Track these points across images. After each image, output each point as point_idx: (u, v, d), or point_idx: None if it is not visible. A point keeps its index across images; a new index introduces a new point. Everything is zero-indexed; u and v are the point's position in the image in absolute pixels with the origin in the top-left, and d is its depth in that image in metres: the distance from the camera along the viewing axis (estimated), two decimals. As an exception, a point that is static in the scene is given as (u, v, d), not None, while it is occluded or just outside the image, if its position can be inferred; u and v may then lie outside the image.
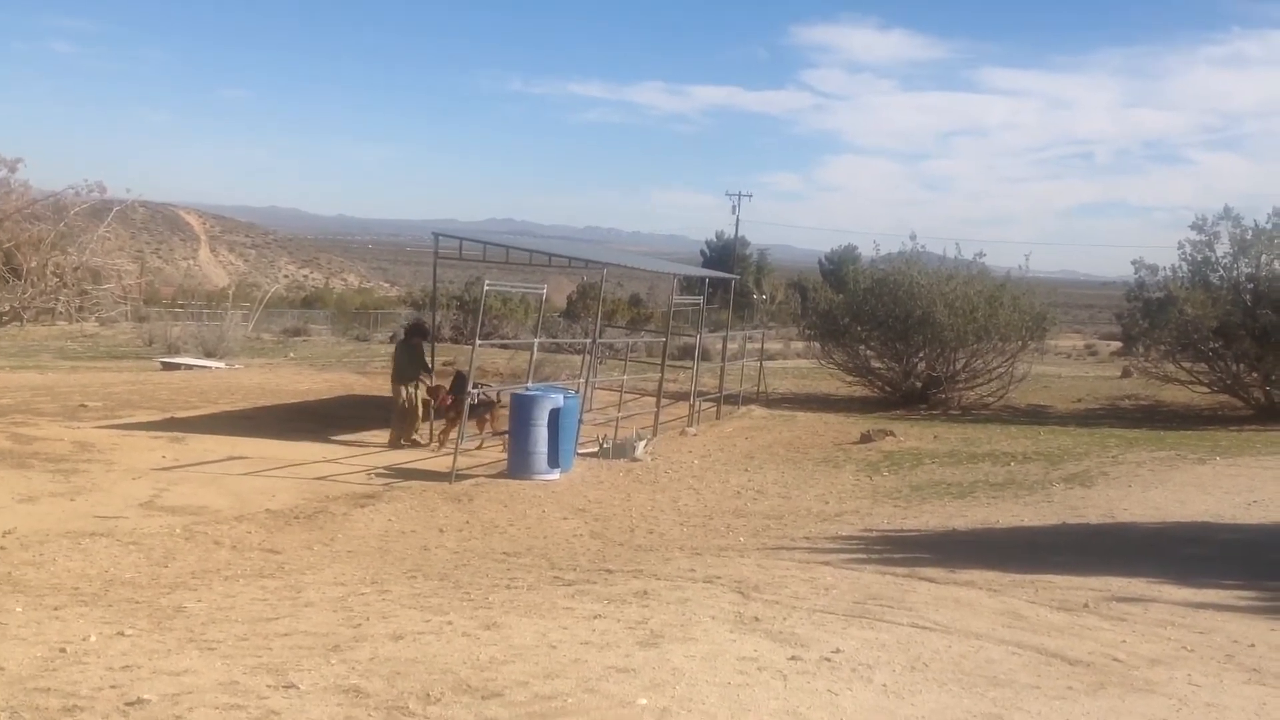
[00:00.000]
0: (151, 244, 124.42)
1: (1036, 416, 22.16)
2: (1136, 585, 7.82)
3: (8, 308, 16.25)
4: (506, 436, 14.57)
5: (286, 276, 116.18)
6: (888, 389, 24.73)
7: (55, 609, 6.78)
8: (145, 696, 4.67)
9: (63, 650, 5.55)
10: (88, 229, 17.08)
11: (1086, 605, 7.13)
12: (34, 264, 15.94)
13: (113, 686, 4.86)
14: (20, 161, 16.06)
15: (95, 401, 18.15)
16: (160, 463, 13.41)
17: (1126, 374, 28.89)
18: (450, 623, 6.18)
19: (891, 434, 17.81)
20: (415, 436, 16.32)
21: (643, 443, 15.90)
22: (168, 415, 17.20)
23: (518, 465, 13.75)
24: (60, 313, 17.06)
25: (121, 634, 5.96)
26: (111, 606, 6.91)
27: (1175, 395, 24.05)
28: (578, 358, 24.27)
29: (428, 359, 16.70)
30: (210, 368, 26.36)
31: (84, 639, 5.81)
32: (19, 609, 6.75)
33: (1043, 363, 29.76)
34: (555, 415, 13.69)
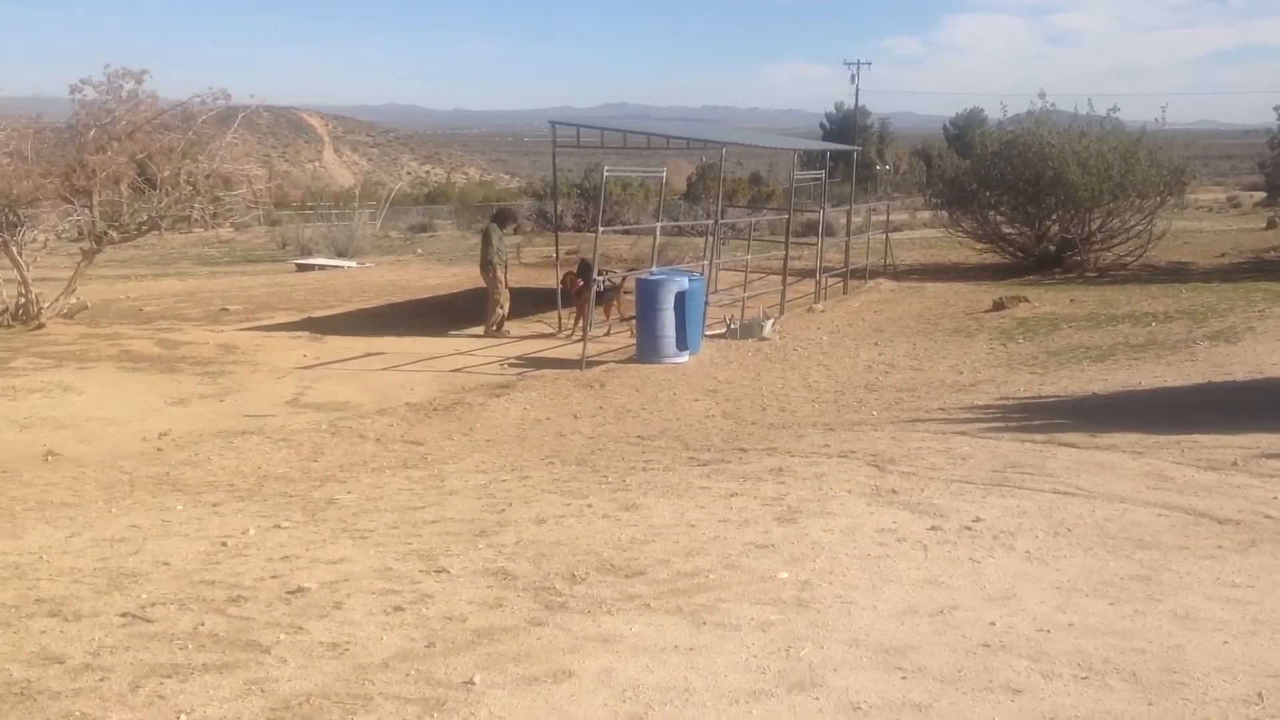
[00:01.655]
0: (278, 148, 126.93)
1: (1177, 274, 21.44)
2: (1288, 443, 7.59)
3: (145, 217, 16.70)
4: (634, 321, 14.64)
5: (409, 173, 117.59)
6: (1019, 254, 24.13)
7: (214, 505, 7.09)
8: (305, 585, 4.87)
9: (224, 544, 5.81)
10: (215, 136, 17.37)
11: (1235, 463, 6.95)
12: (167, 173, 16.29)
13: (274, 577, 5.08)
14: (146, 73, 16.34)
15: (236, 305, 18.71)
16: (301, 361, 13.79)
17: (1272, 225, 27.74)
18: (590, 505, 6.30)
19: (1025, 300, 17.44)
20: (502, 327, 16.25)
21: (770, 321, 15.83)
22: (305, 315, 17.66)
23: (646, 349, 13.82)
24: (196, 220, 17.46)
25: (278, 526, 6.21)
26: (267, 501, 7.19)
27: (1326, 246, 23.06)
28: (700, 240, 24.16)
29: (552, 248, 16.71)
30: (342, 267, 26.94)
31: (243, 532, 6.07)
32: (180, 507, 7.07)
33: (1183, 218, 28.70)
34: (681, 298, 13.68)
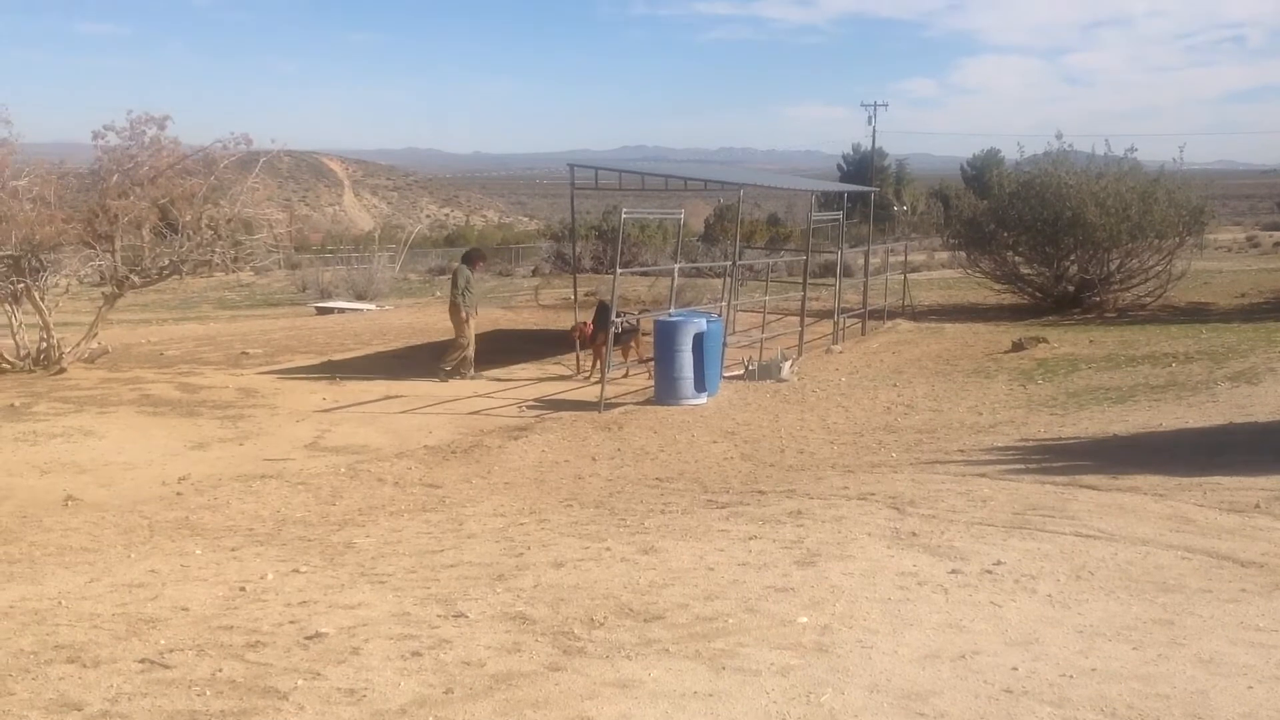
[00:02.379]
0: (299, 192, 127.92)
1: (1197, 315, 21.36)
2: (1312, 485, 7.53)
3: (167, 262, 16.81)
4: (652, 363, 14.66)
5: (428, 216, 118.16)
6: (1038, 295, 24.08)
7: (232, 550, 7.09)
8: (323, 630, 4.86)
9: (242, 589, 5.81)
10: (237, 180, 17.52)
11: (1258, 506, 6.89)
12: (189, 218, 16.43)
13: (292, 622, 5.07)
14: (168, 118, 16.51)
15: (256, 348, 18.79)
16: (321, 405, 13.84)
17: (1292, 265, 27.59)
18: (609, 549, 6.29)
19: (1044, 341, 17.39)
20: (466, 369, 15.94)
21: (788, 363, 15.82)
22: (325, 358, 17.72)
23: (665, 391, 13.82)
24: (216, 264, 17.55)
25: (297, 571, 6.21)
26: (285, 545, 7.19)
27: (1347, 285, 22.94)
28: (718, 281, 24.18)
29: (570, 290, 16.62)
30: (362, 310, 27.06)
31: (261, 577, 6.07)
32: (199, 551, 7.08)
33: (1202, 258, 28.56)
34: (699, 340, 13.69)
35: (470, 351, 16.07)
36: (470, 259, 17.17)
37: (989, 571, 5.48)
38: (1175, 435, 10.21)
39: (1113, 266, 23.40)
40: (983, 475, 8.39)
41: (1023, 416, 12.08)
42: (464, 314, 15.95)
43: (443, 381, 15.51)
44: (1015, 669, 4.20)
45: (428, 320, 23.37)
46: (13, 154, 15.88)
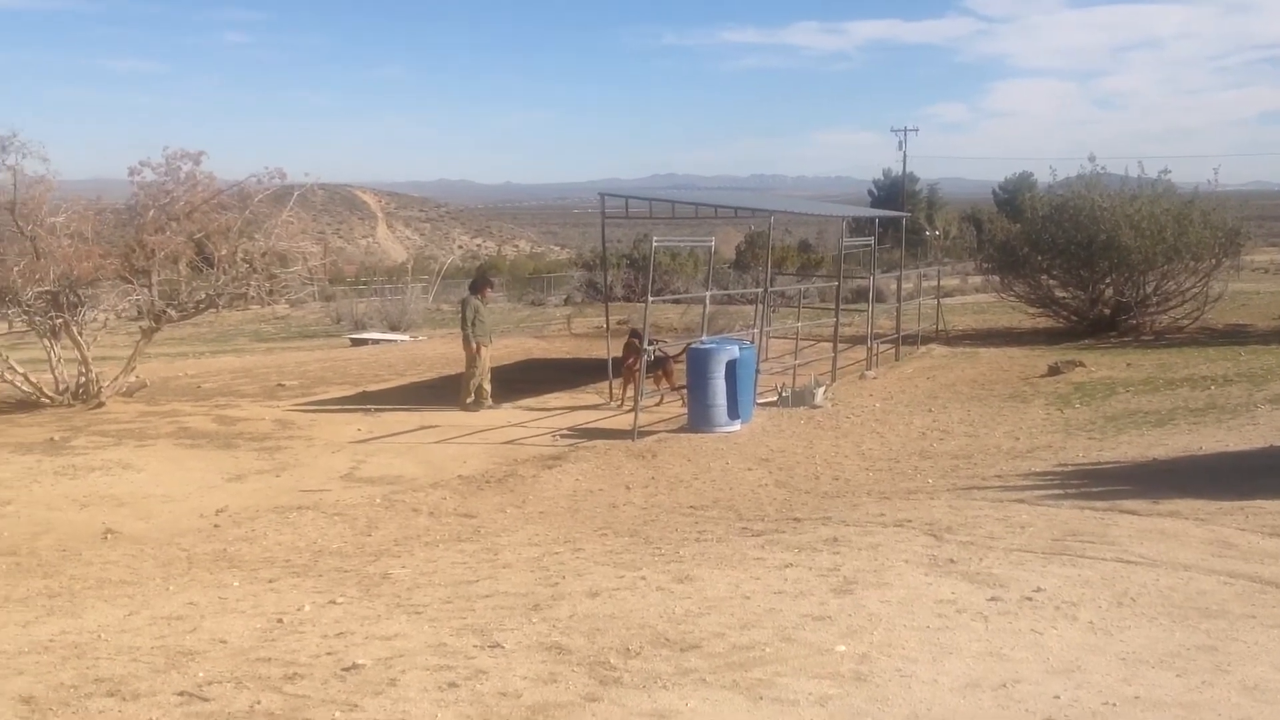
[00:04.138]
0: (332, 224, 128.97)
1: (1236, 337, 21.17)
2: (1356, 507, 7.42)
3: (203, 295, 16.96)
4: (684, 391, 14.64)
5: (460, 247, 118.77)
6: (1073, 318, 23.94)
7: (270, 581, 7.11)
8: (360, 661, 4.86)
9: (280, 621, 5.82)
10: (271, 214, 17.68)
11: (1302, 530, 6.79)
12: (224, 252, 16.58)
13: (329, 653, 5.07)
14: (203, 154, 16.71)
15: (291, 380, 18.90)
16: (356, 435, 13.89)
17: (1332, 285, 27.32)
18: (644, 578, 6.26)
19: (1081, 364, 17.26)
20: (481, 400, 15.74)
21: (822, 389, 15.77)
22: (360, 389, 17.81)
23: (698, 419, 13.79)
24: (252, 297, 17.70)
25: (333, 602, 6.21)
26: (322, 576, 7.21)
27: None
28: (750, 308, 24.18)
29: (602, 318, 16.49)
30: (396, 341, 27.21)
31: (298, 609, 6.08)
32: (236, 583, 7.11)
33: (1239, 280, 28.43)
34: (732, 367, 13.68)
35: (486, 383, 15.88)
36: (477, 287, 16.86)
37: (1029, 598, 5.42)
38: (1216, 459, 10.10)
39: (1149, 289, 23.26)
40: (1021, 501, 8.32)
41: (1060, 441, 11.98)
42: (474, 345, 15.70)
43: (473, 411, 15.53)
44: (1057, 697, 4.15)
45: (461, 350, 23.43)
46: (50, 191, 16.10)
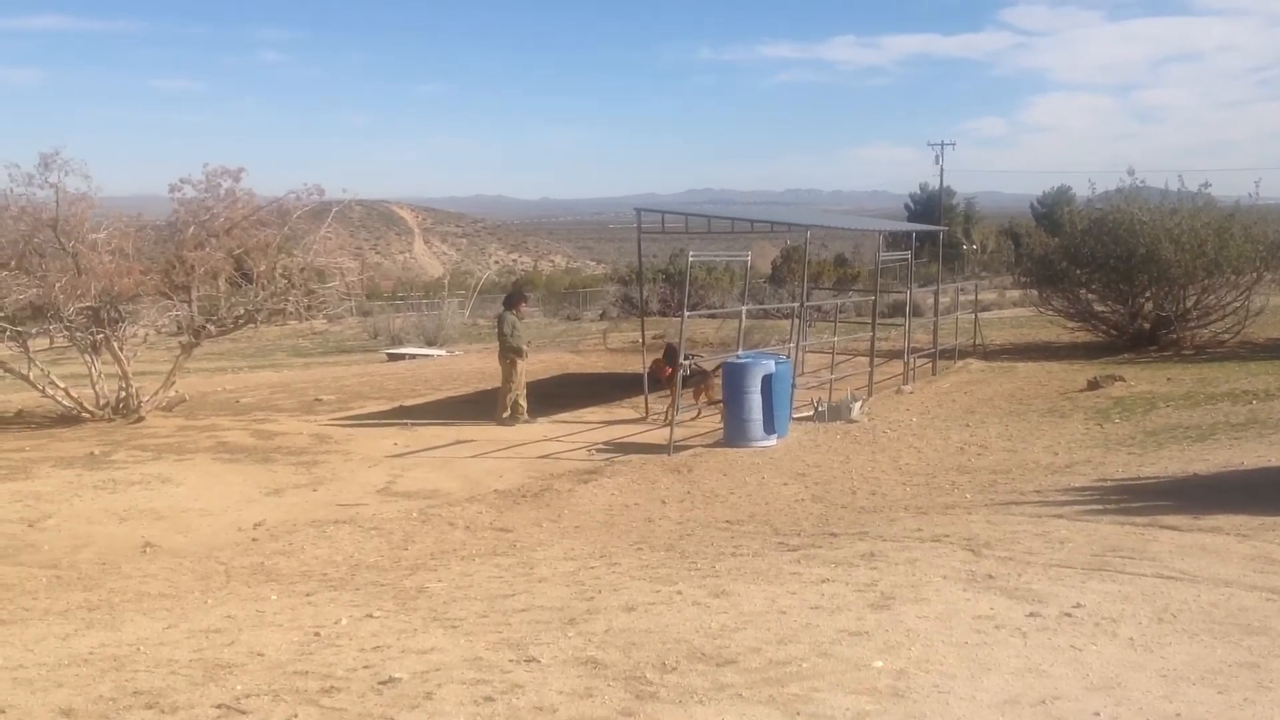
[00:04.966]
0: (370, 240, 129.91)
1: (1277, 351, 20.91)
2: (1403, 524, 7.31)
3: (242, 311, 17.11)
4: (721, 405, 14.62)
5: (497, 262, 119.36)
6: (1113, 333, 23.74)
7: (307, 595, 7.15)
8: (396, 675, 4.87)
9: (317, 634, 5.84)
10: (310, 230, 17.82)
11: (1347, 547, 6.70)
12: (263, 268, 16.72)
13: (365, 667, 5.09)
14: (243, 171, 16.86)
15: (329, 395, 19.01)
16: (393, 450, 13.95)
17: (1376, 299, 26.94)
18: (680, 592, 6.25)
19: (1121, 379, 17.11)
20: (506, 415, 15.81)
21: (858, 404, 15.70)
22: (396, 404, 17.89)
23: (734, 433, 13.77)
24: (290, 313, 17.85)
25: (370, 616, 6.23)
26: (359, 590, 7.24)
27: None
28: (786, 322, 24.14)
29: (638, 333, 16.53)
30: (432, 356, 27.32)
31: (335, 622, 6.10)
32: (274, 596, 7.14)
33: (1281, 294, 28.08)
34: (768, 381, 13.65)
35: (522, 398, 15.96)
36: (512, 302, 16.96)
37: (1068, 614, 5.37)
38: (1258, 474, 9.97)
39: (1189, 303, 23.03)
40: (1060, 516, 8.25)
41: (1100, 456, 11.88)
42: (511, 360, 15.84)
43: (510, 426, 15.56)
44: (1097, 714, 4.11)
45: (497, 365, 23.50)
46: (92, 208, 16.29)
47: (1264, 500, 8.44)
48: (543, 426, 15.57)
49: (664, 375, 15.85)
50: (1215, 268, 22.25)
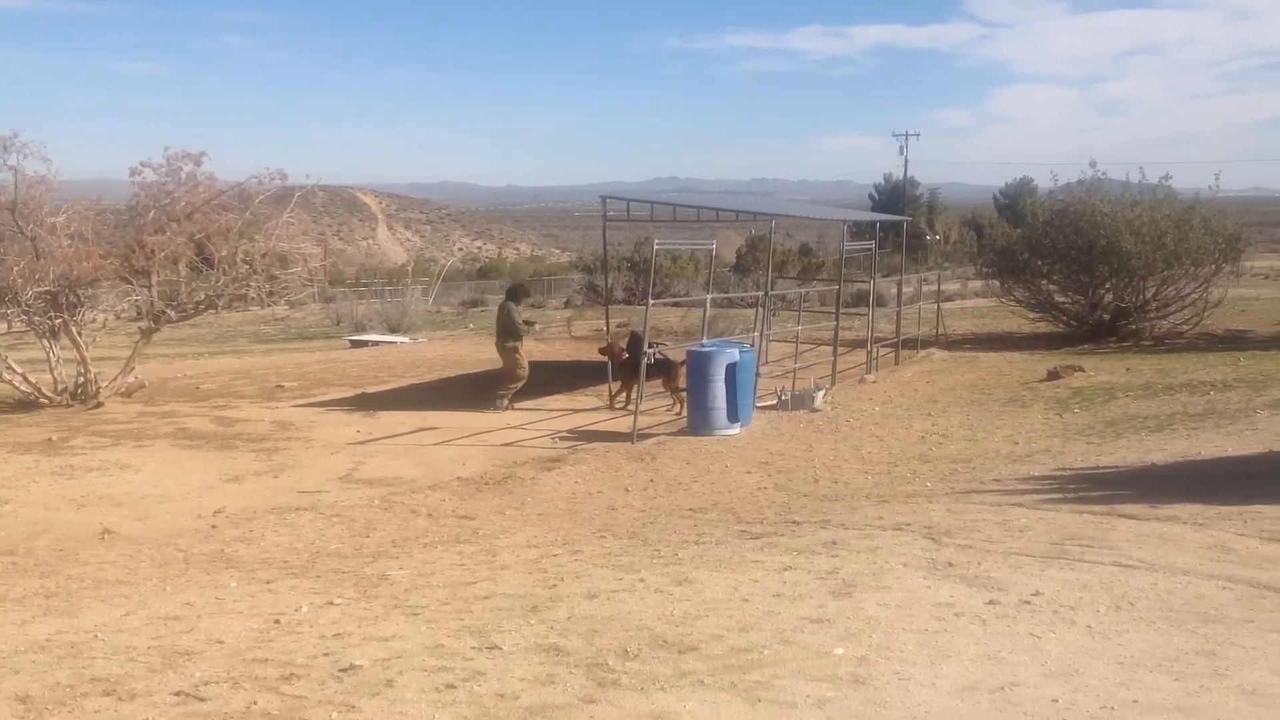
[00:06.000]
0: (333, 226, 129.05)
1: (1235, 342, 21.16)
2: (1356, 513, 7.41)
3: (203, 296, 16.95)
4: (684, 394, 14.61)
5: (461, 249, 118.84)
6: (1073, 323, 23.93)
7: (267, 582, 7.11)
8: (357, 662, 4.85)
9: (277, 621, 5.81)
10: (272, 216, 17.65)
11: (1301, 536, 6.78)
12: (224, 253, 16.56)
13: (326, 654, 5.07)
14: (205, 155, 16.69)
15: (291, 381, 18.88)
16: (355, 437, 13.88)
17: (1332, 292, 27.27)
18: (642, 580, 6.26)
19: (1080, 369, 17.26)
20: (503, 393, 16.02)
21: (821, 393, 15.76)
22: (359, 391, 17.79)
23: (697, 422, 13.79)
24: (252, 298, 17.71)
25: (331, 603, 6.21)
26: (320, 577, 7.20)
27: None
28: (750, 311, 24.17)
29: (602, 321, 16.65)
30: (395, 343, 27.17)
31: (296, 609, 6.08)
32: (234, 584, 7.10)
33: (1239, 285, 28.35)
34: (732, 370, 13.67)
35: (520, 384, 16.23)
36: (517, 295, 17.45)
37: (1027, 602, 5.41)
38: (1214, 464, 10.09)
39: (1148, 294, 23.24)
40: (1019, 505, 8.31)
41: (1059, 445, 11.98)
42: (519, 349, 16.17)
43: (499, 410, 15.63)
44: (1055, 701, 4.15)
45: (461, 352, 23.45)
46: (51, 191, 16.08)
47: (1220, 490, 8.53)
48: (507, 414, 15.54)
49: (620, 361, 15.79)
50: (1175, 259, 22.48)
